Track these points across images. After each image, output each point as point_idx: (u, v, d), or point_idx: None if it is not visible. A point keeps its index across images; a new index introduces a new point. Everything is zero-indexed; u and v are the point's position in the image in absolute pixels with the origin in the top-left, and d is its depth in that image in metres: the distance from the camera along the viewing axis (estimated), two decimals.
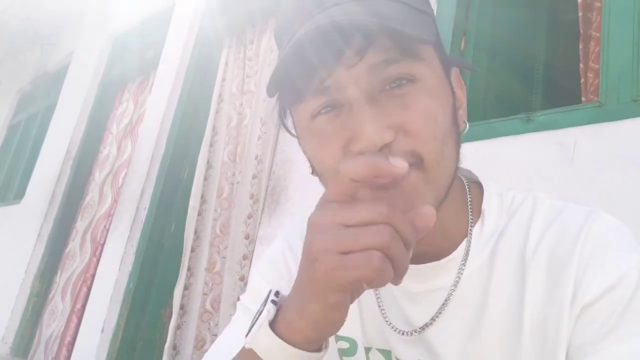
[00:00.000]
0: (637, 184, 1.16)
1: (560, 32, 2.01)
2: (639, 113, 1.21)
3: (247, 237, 2.20)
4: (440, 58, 0.57)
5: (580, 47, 1.58)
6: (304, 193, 1.93)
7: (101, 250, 2.99)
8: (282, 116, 0.61)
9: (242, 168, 2.34)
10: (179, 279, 2.36)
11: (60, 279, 3.26)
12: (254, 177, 2.26)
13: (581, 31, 1.59)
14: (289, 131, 0.62)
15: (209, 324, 2.25)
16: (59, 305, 3.13)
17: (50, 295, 3.27)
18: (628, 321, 0.51)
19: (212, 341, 2.11)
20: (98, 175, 3.44)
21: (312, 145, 0.56)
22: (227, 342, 0.67)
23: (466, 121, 0.61)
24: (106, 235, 3.02)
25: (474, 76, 1.71)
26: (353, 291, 0.47)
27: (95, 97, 3.76)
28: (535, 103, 1.94)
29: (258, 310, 0.52)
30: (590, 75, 1.48)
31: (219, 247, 2.36)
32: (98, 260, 2.98)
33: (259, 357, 0.50)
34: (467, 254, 0.61)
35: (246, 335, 0.51)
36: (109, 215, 3.10)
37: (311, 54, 0.52)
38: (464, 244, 0.61)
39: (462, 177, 0.66)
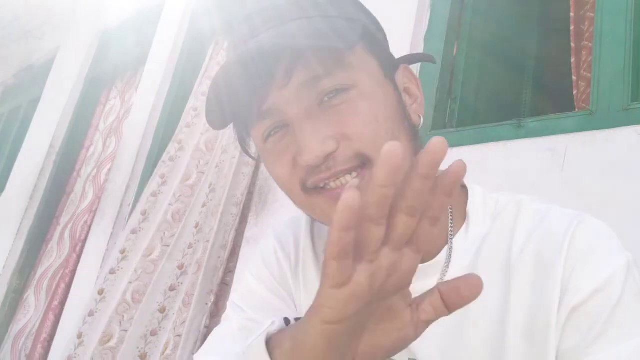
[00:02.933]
0: (626, 193, 1.17)
1: (552, 40, 2.03)
2: (630, 122, 1.22)
3: (196, 225, 2.16)
4: (378, 60, 0.59)
5: (573, 59, 1.60)
6: None
7: (82, 247, 2.94)
8: (242, 143, 0.65)
9: (209, 159, 2.31)
10: (103, 262, 2.27)
11: (34, 275, 3.20)
12: (216, 166, 2.22)
13: (573, 44, 1.60)
14: (249, 155, 0.69)
15: (123, 316, 2.11)
16: (31, 301, 3.06)
17: (23, 291, 3.21)
18: (616, 325, 0.51)
19: (120, 339, 2.04)
20: (84, 172, 3.39)
21: (268, 165, 0.60)
22: (219, 342, 0.66)
23: (422, 115, 0.63)
24: (87, 232, 2.97)
25: (465, 81, 1.72)
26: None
27: (80, 92, 3.70)
28: (526, 110, 1.95)
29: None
30: (583, 84, 1.49)
31: (164, 233, 2.23)
32: (78, 256, 2.92)
33: None
34: (449, 258, 0.60)
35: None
36: (90, 211, 3.05)
37: (244, 80, 0.55)
38: (446, 249, 0.61)
39: None
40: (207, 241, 2.07)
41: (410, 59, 0.66)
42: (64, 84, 3.83)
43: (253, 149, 0.66)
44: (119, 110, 3.39)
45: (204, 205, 2.18)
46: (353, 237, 0.36)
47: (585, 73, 1.50)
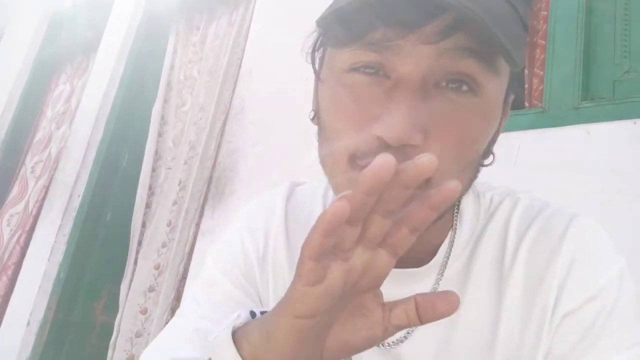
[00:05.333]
0: (576, 189, 1.21)
1: None
2: (579, 120, 1.26)
3: (169, 224, 2.14)
4: (510, 79, 0.52)
5: (526, 53, 1.64)
6: (250, 186, 1.89)
7: (27, 238, 2.83)
8: (315, 48, 0.54)
9: (176, 154, 2.28)
10: (125, 273, 2.25)
11: None
12: (185, 162, 2.19)
13: (528, 38, 1.64)
14: (314, 68, 0.55)
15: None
16: None
17: None
18: (607, 335, 0.50)
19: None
20: (29, 160, 3.24)
21: (335, 101, 0.50)
22: (168, 344, 0.62)
23: (494, 153, 0.56)
24: (33, 223, 2.85)
25: None
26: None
27: (28, 77, 3.54)
28: None
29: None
30: (535, 81, 1.53)
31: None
32: (22, 248, 2.81)
33: None
34: (447, 259, 0.58)
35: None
36: (37, 201, 2.93)
37: (398, 4, 0.44)
38: (444, 247, 0.59)
39: None
40: (173, 239, 2.09)
41: (514, 90, 0.57)
42: (10, 68, 3.65)
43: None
44: (69, 97, 3.26)
45: (174, 203, 2.17)
46: (333, 241, 0.36)
47: (538, 71, 1.54)
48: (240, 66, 2.21)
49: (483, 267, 0.57)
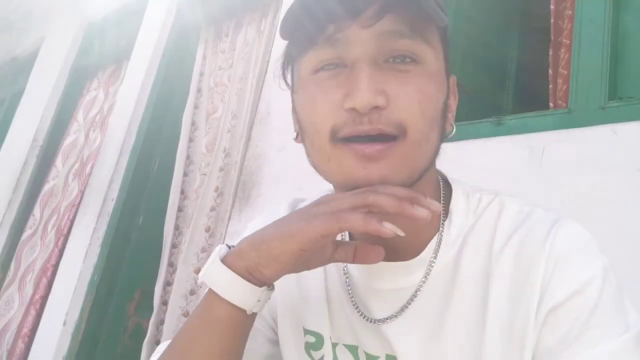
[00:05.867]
0: (602, 190, 1.19)
1: (532, 38, 2.05)
2: (606, 120, 1.24)
3: (207, 229, 2.18)
4: (444, 53, 0.60)
5: (550, 53, 1.62)
6: (276, 189, 1.91)
7: (64, 241, 2.92)
8: (284, 68, 0.63)
9: (211, 160, 2.32)
10: (159, 274, 2.31)
11: (17, 269, 3.17)
12: (220, 169, 2.23)
13: (552, 38, 1.62)
14: (286, 82, 0.64)
15: None
16: (15, 296, 3.04)
17: (5, 285, 3.18)
18: (593, 327, 0.52)
19: None
20: (61, 164, 3.35)
21: (309, 99, 0.57)
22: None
23: (453, 124, 0.63)
24: (70, 226, 2.94)
25: None
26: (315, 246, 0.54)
27: (65, 84, 3.67)
28: (506, 107, 1.97)
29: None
30: (560, 81, 1.51)
31: None
32: (60, 251, 2.90)
33: (214, 293, 0.56)
34: (436, 253, 0.61)
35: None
36: (74, 205, 3.03)
37: (332, 2, 0.54)
38: (433, 242, 0.61)
39: (438, 176, 0.67)
40: (212, 244, 2.17)
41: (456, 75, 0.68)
42: (47, 77, 3.78)
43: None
44: (102, 103, 3.36)
45: (212, 209, 2.22)
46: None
47: (562, 70, 1.52)
48: (266, 71, 2.24)
49: (471, 264, 0.59)
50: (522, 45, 2.10)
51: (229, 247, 0.59)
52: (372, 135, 0.53)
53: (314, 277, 0.69)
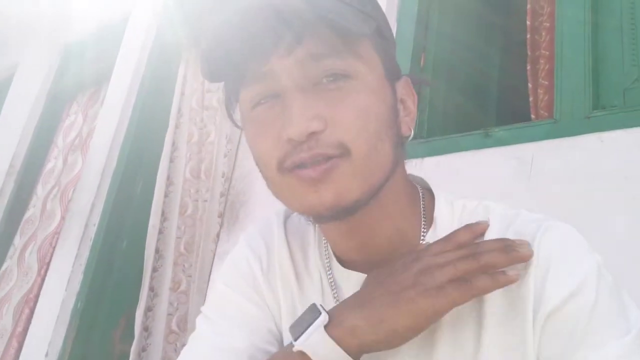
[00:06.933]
0: (591, 197, 1.21)
1: (512, 52, 2.09)
2: (592, 129, 1.26)
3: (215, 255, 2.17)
4: (382, 60, 0.59)
5: (528, 67, 1.65)
6: (264, 208, 1.90)
7: (46, 270, 2.84)
8: (228, 107, 0.62)
9: (210, 186, 2.29)
10: (140, 300, 2.26)
11: None
12: (221, 195, 2.21)
13: (529, 52, 1.66)
14: (233, 122, 0.64)
15: (176, 344, 2.18)
16: None
17: None
18: (594, 330, 0.51)
19: None
20: (41, 190, 3.27)
21: (251, 135, 0.58)
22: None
23: (412, 128, 0.62)
24: (52, 254, 2.87)
25: (433, 93, 1.75)
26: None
27: (42, 109, 3.60)
28: (490, 120, 2.00)
29: (302, 317, 0.55)
30: (541, 91, 1.54)
31: (183, 265, 2.28)
32: (43, 280, 2.82)
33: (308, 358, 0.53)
34: None
35: (295, 339, 0.53)
36: (57, 233, 2.96)
37: (248, 34, 0.53)
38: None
39: (417, 186, 0.66)
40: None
41: (409, 75, 0.67)
42: (24, 101, 3.72)
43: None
44: (81, 127, 3.30)
45: (218, 235, 2.21)
46: None
47: (543, 81, 1.55)
48: None
49: None
50: (503, 59, 2.14)
51: (321, 310, 0.54)
52: (316, 160, 0.53)
53: (314, 292, 0.67)
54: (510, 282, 0.52)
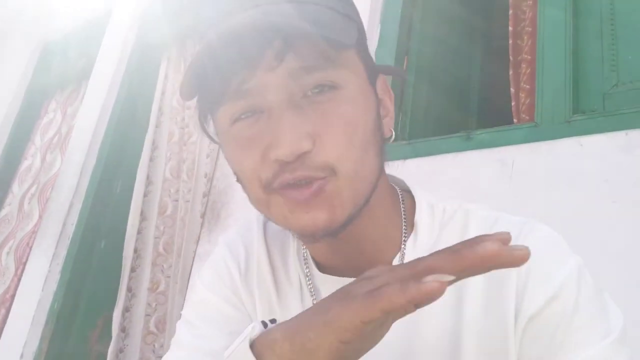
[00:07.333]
0: (570, 200, 1.22)
1: (494, 57, 2.11)
2: (572, 133, 1.28)
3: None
4: (364, 64, 0.57)
5: (510, 72, 1.66)
6: (246, 208, 1.88)
7: (22, 269, 2.79)
8: (202, 121, 0.59)
9: (192, 186, 2.28)
10: (117, 300, 2.23)
11: None
12: (204, 195, 2.19)
13: (511, 58, 1.67)
14: (210, 137, 0.61)
15: (154, 345, 2.15)
16: None
17: None
18: (576, 332, 0.51)
19: None
20: (17, 189, 3.21)
21: (232, 152, 0.56)
22: None
23: (392, 129, 0.61)
24: (29, 253, 2.81)
25: (415, 95, 1.76)
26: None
27: (20, 107, 3.53)
28: (471, 123, 2.01)
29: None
30: (522, 95, 1.56)
31: (162, 266, 2.25)
32: (19, 279, 2.77)
33: None
34: None
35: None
36: (34, 232, 2.90)
37: (229, 54, 0.51)
38: (398, 257, 0.60)
39: (396, 187, 0.65)
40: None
41: (383, 70, 0.64)
42: (1, 98, 3.65)
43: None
44: (60, 125, 3.25)
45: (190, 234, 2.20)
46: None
47: (524, 85, 1.57)
48: None
49: None
50: (486, 62, 2.16)
51: (265, 325, 0.49)
52: (301, 182, 0.52)
53: (293, 297, 0.66)
54: (422, 292, 0.38)
